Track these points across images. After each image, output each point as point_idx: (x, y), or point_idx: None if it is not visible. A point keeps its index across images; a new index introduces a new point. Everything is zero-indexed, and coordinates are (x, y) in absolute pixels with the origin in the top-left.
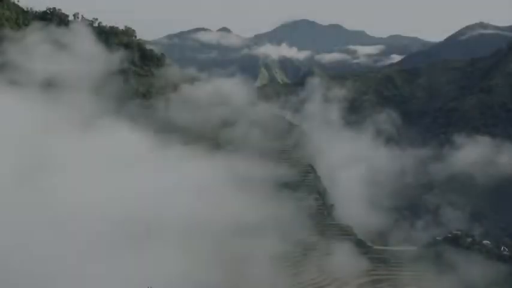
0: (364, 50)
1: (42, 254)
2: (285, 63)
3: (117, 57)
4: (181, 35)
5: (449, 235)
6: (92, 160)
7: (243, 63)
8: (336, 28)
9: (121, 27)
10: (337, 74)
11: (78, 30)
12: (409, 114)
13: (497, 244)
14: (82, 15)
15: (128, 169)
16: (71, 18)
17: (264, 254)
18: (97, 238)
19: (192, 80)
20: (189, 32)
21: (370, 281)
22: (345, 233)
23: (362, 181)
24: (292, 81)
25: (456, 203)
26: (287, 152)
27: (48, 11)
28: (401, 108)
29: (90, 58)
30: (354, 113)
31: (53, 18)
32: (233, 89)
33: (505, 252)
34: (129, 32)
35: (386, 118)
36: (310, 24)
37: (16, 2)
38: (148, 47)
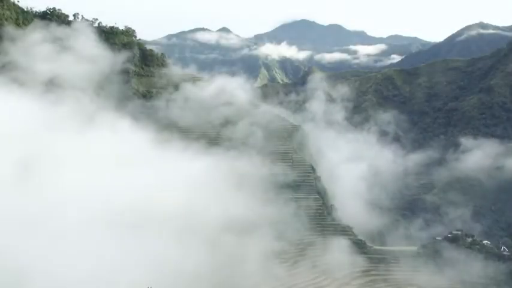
0: (364, 50)
1: (42, 244)
2: (285, 63)
3: (117, 57)
4: (181, 35)
5: (449, 235)
6: (92, 157)
7: (243, 63)
8: (336, 28)
9: (121, 27)
10: (337, 74)
11: (78, 30)
12: (409, 114)
13: (497, 244)
14: (82, 15)
15: (127, 166)
16: (71, 18)
17: (263, 253)
18: (93, 228)
19: (192, 80)
20: (189, 32)
21: (370, 281)
22: (345, 233)
23: (362, 181)
24: (292, 81)
25: (456, 203)
26: (287, 152)
27: (48, 11)
28: (401, 108)
29: (90, 58)
30: (354, 113)
31: (53, 18)
32: (233, 89)
33: (505, 252)
34: (129, 32)
35: (386, 118)
36: (310, 24)
37: (16, 2)
38: (148, 47)
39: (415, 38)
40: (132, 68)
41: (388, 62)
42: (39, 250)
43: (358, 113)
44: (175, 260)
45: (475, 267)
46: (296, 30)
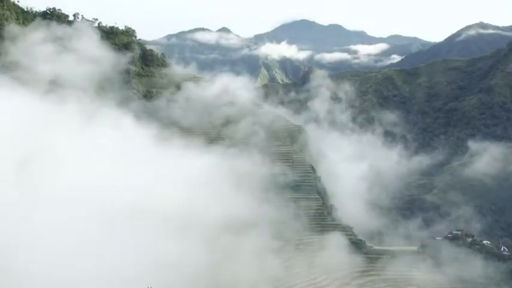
0: (365, 50)
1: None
2: (285, 63)
3: (117, 58)
4: (181, 35)
5: (449, 235)
6: (92, 156)
7: (243, 63)
8: (336, 28)
9: (121, 27)
10: (337, 74)
11: (78, 30)
12: (409, 114)
13: (497, 244)
14: (82, 15)
15: (127, 165)
16: (71, 18)
17: (262, 253)
18: (92, 227)
19: (192, 80)
20: (189, 32)
21: (370, 280)
22: (345, 232)
23: (362, 181)
24: (292, 81)
25: (456, 202)
26: (287, 152)
27: (48, 11)
28: (401, 108)
29: (90, 58)
30: (354, 113)
31: (53, 18)
32: (234, 88)
33: (505, 252)
34: (129, 32)
35: (386, 118)
36: (310, 24)
37: (16, 2)
38: (148, 47)
39: (415, 38)
40: (132, 68)
41: (388, 62)
42: (39, 249)
43: (358, 113)
44: (173, 259)
45: (475, 267)
46: (296, 30)
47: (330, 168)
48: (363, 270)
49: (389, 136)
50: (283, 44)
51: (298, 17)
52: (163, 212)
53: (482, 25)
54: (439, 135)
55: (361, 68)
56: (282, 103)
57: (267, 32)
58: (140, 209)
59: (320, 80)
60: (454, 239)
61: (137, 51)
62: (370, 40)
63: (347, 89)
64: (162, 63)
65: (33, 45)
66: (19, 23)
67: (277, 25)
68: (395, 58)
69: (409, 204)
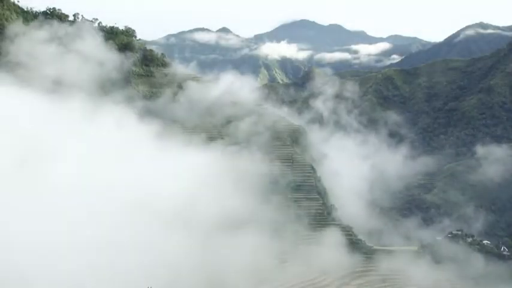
0: (365, 50)
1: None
2: (285, 63)
3: (117, 57)
4: (180, 35)
5: (449, 235)
6: (92, 154)
7: (243, 63)
8: (336, 28)
9: (121, 27)
10: (337, 74)
11: (78, 30)
12: (409, 114)
13: (497, 244)
14: (82, 15)
15: (127, 164)
16: (71, 18)
17: (262, 253)
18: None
19: (192, 80)
20: (189, 32)
21: (370, 280)
22: (345, 232)
23: (362, 181)
24: (292, 81)
25: (456, 202)
26: (287, 152)
27: (48, 11)
28: (401, 108)
29: (90, 58)
30: (354, 113)
31: (53, 18)
32: (234, 88)
33: (505, 252)
34: (129, 32)
35: (386, 118)
36: (310, 24)
37: (16, 2)
38: (147, 47)
39: (415, 38)
40: (132, 68)
41: (388, 62)
42: (37, 245)
43: (358, 113)
44: (168, 257)
45: (475, 267)
46: (296, 30)
47: (330, 168)
48: (362, 270)
49: (390, 136)
50: (283, 44)
51: (298, 17)
52: (162, 209)
53: (482, 25)
54: (439, 135)
55: (362, 68)
56: (282, 103)
57: (267, 32)
58: (139, 206)
59: (320, 80)
60: (454, 239)
61: (137, 51)
62: (370, 40)
63: (347, 89)
64: (162, 63)
65: (34, 45)
66: (19, 23)
67: (277, 25)
68: (395, 58)
69: (409, 204)
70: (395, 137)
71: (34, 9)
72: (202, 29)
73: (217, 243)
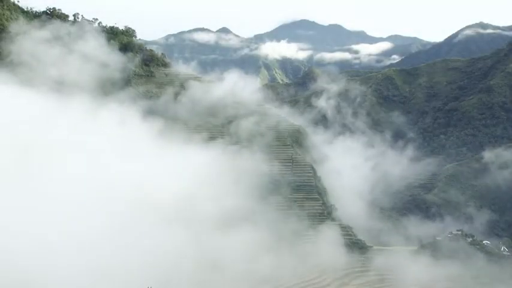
0: (365, 50)
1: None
2: (285, 63)
3: (117, 57)
4: (180, 35)
5: (450, 235)
6: (93, 153)
7: (243, 63)
8: (336, 28)
9: (121, 27)
10: (337, 74)
11: (78, 30)
12: (409, 114)
13: (497, 244)
14: (82, 15)
15: (128, 161)
16: (71, 18)
17: (261, 253)
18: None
19: (192, 80)
20: (189, 32)
21: (370, 280)
22: (345, 232)
23: (362, 181)
24: (292, 81)
25: (456, 202)
26: (287, 152)
27: (48, 11)
28: (401, 108)
29: (90, 58)
30: (354, 113)
31: (53, 18)
32: (234, 88)
33: (505, 252)
34: (129, 32)
35: (386, 118)
36: (310, 24)
37: (16, 2)
38: (147, 47)
39: (415, 38)
40: (132, 67)
41: (388, 62)
42: (37, 245)
43: (358, 113)
44: (166, 255)
45: (475, 267)
46: (296, 30)
47: (331, 168)
48: (362, 269)
49: (390, 136)
50: (283, 44)
51: (298, 17)
52: (163, 208)
53: (482, 25)
54: (439, 135)
55: (362, 68)
56: (282, 103)
57: (267, 32)
58: (140, 205)
59: (320, 79)
60: (454, 238)
61: (137, 51)
62: (370, 40)
63: (346, 89)
64: (162, 63)
65: (35, 45)
66: (20, 23)
67: (277, 25)
68: (396, 58)
69: (409, 204)
70: (395, 137)
71: (34, 9)
72: (202, 29)
73: (216, 242)
